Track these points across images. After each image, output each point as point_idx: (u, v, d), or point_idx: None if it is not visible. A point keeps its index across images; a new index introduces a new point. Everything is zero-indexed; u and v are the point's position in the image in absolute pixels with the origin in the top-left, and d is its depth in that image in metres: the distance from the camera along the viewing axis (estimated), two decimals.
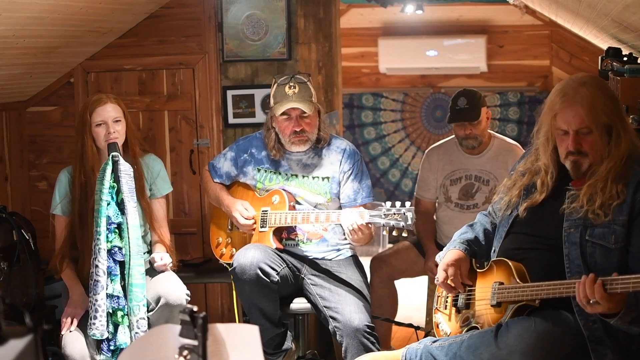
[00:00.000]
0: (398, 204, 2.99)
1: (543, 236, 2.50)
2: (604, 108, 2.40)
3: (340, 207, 3.39)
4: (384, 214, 2.97)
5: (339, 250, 3.44)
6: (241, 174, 3.52)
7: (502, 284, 2.50)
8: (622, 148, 2.39)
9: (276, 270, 3.17)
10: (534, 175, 2.60)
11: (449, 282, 2.64)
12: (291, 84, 3.30)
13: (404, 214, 2.95)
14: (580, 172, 2.46)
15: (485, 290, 2.57)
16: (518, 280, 2.45)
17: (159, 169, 3.47)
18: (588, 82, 2.44)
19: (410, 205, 3.00)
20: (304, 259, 3.39)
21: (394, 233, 2.99)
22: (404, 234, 3.00)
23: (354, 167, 3.38)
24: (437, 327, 2.79)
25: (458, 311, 2.67)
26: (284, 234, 3.41)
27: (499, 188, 2.78)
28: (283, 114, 3.30)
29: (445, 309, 2.76)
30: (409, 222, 2.94)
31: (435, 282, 2.73)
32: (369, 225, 3.05)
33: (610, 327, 2.34)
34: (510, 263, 2.50)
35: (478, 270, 2.66)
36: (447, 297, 2.75)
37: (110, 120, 3.24)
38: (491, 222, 2.79)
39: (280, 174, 3.42)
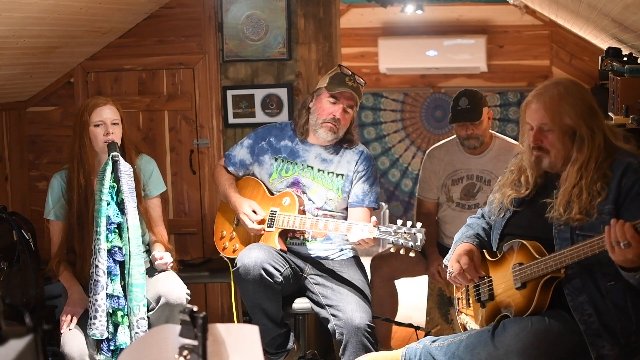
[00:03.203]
0: (409, 223, 2.99)
1: (536, 236, 2.49)
2: (569, 111, 2.42)
3: (347, 207, 3.41)
4: (394, 232, 2.97)
5: (342, 250, 3.45)
6: (256, 163, 3.51)
7: (521, 264, 2.47)
8: (585, 152, 2.40)
9: (279, 271, 3.17)
10: (522, 173, 2.61)
11: (465, 273, 2.59)
12: (352, 78, 3.38)
13: (415, 234, 2.95)
14: (540, 167, 2.51)
15: (504, 276, 2.54)
16: (537, 255, 2.42)
17: (151, 169, 3.46)
18: (562, 84, 2.48)
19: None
20: (306, 259, 3.39)
21: (402, 252, 2.99)
22: (412, 254, 2.99)
23: (368, 169, 3.42)
24: (465, 328, 2.74)
25: (483, 305, 2.63)
26: (290, 232, 3.41)
27: (495, 186, 2.78)
28: (333, 96, 3.34)
29: (469, 307, 2.73)
30: (418, 243, 2.94)
31: (448, 275, 2.68)
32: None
33: (607, 319, 2.33)
34: (524, 242, 2.47)
35: (491, 260, 2.63)
36: (469, 296, 2.72)
37: (108, 121, 3.24)
38: (487, 222, 2.79)
39: (297, 164, 3.43)
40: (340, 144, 3.44)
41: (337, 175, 3.41)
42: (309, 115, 3.42)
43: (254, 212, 3.34)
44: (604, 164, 2.39)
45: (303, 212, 3.34)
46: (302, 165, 3.43)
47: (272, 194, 3.44)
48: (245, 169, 3.56)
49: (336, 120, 3.35)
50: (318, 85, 3.45)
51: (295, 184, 3.42)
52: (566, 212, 2.39)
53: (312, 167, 3.42)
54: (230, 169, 3.57)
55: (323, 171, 3.41)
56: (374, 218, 3.09)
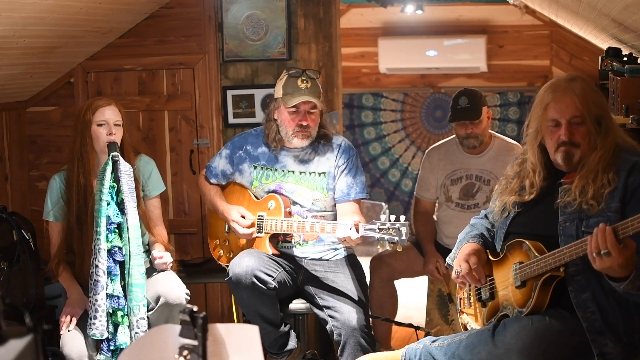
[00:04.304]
0: (393, 217, 2.95)
1: (540, 234, 2.50)
2: (594, 100, 2.46)
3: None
4: (379, 228, 2.92)
5: (335, 249, 3.43)
6: (237, 172, 3.49)
7: (521, 263, 2.48)
8: (609, 140, 2.44)
9: (272, 277, 3.15)
10: (524, 178, 2.61)
11: (473, 273, 2.59)
12: (303, 78, 3.28)
13: (399, 228, 2.90)
14: (572, 163, 2.47)
15: (505, 275, 2.55)
16: (537, 254, 2.42)
17: (150, 169, 3.46)
18: (577, 78, 2.51)
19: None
20: (301, 261, 3.38)
21: (388, 247, 2.95)
22: (398, 249, 2.96)
23: (348, 162, 3.37)
24: (466, 328, 2.75)
25: (484, 305, 2.63)
26: (280, 236, 3.40)
27: (493, 194, 2.78)
28: (293, 106, 3.28)
29: (470, 307, 2.74)
30: (403, 237, 2.89)
31: (454, 275, 2.68)
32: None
33: (610, 317, 2.34)
34: (526, 242, 2.48)
35: (493, 259, 2.64)
36: (470, 296, 2.73)
37: (111, 122, 3.25)
38: (490, 223, 2.79)
39: (276, 170, 3.40)
40: (317, 140, 3.37)
41: (320, 174, 3.37)
42: (278, 127, 3.35)
43: (243, 217, 3.33)
44: (617, 152, 2.43)
45: (289, 214, 3.32)
46: (283, 171, 3.39)
47: (257, 198, 3.43)
48: (227, 179, 3.54)
49: (305, 127, 3.29)
50: (275, 95, 3.38)
51: (276, 191, 3.39)
52: (581, 195, 2.40)
53: (292, 172, 3.38)
54: (213, 180, 3.55)
55: (304, 173, 3.37)
56: (356, 217, 3.06)
